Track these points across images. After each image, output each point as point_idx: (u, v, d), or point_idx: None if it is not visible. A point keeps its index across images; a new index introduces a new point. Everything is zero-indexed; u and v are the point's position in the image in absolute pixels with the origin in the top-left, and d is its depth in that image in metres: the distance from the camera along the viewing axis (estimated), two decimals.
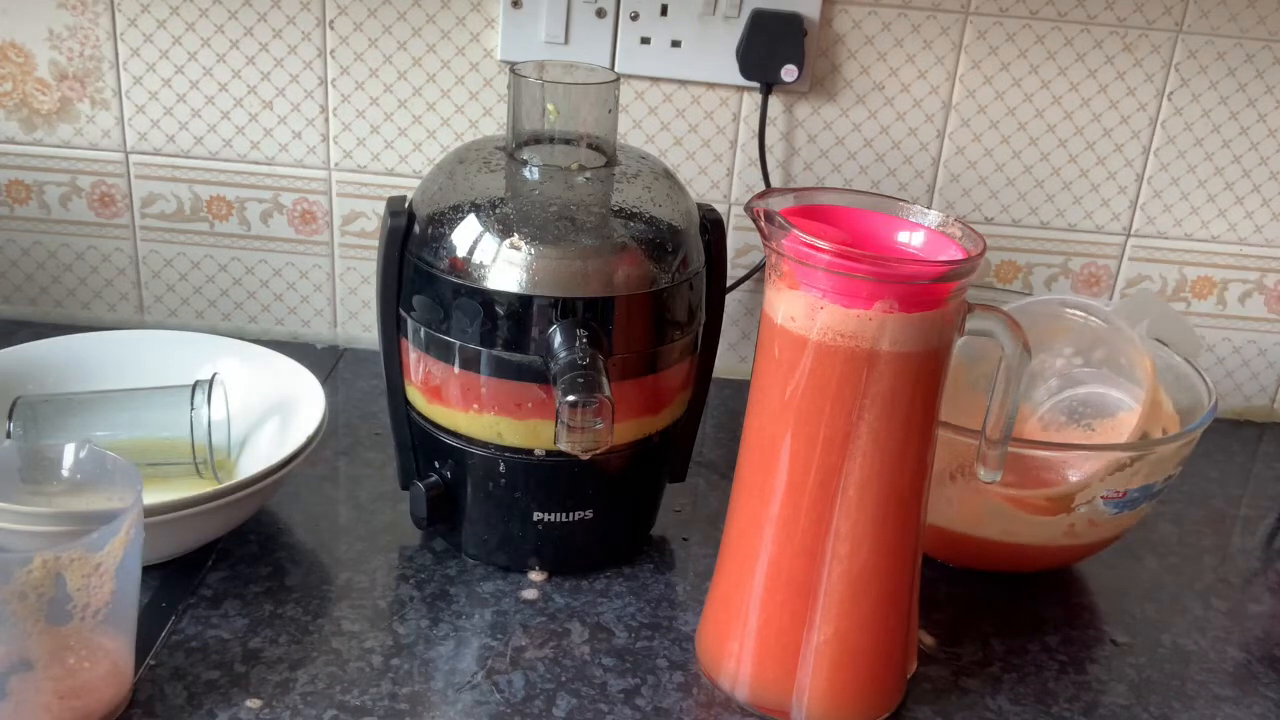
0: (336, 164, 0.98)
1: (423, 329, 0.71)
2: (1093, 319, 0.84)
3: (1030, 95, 0.96)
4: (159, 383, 0.80)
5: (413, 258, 0.71)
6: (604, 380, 0.65)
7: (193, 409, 0.77)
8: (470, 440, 0.72)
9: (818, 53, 0.95)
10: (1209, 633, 0.77)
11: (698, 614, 0.71)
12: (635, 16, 0.92)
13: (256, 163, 0.98)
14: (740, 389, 0.69)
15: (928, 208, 0.64)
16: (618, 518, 0.77)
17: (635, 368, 0.71)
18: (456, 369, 0.71)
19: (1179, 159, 0.99)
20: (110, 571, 0.57)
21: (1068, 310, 0.84)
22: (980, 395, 0.82)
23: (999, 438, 0.64)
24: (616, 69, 0.94)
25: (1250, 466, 1.01)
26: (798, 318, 0.60)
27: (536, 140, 0.73)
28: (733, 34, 0.93)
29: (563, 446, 0.64)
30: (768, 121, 0.96)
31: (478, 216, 0.69)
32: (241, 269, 1.01)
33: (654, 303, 0.70)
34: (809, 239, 0.58)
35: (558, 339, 0.67)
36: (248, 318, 1.03)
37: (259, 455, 0.79)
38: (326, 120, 0.97)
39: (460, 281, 0.69)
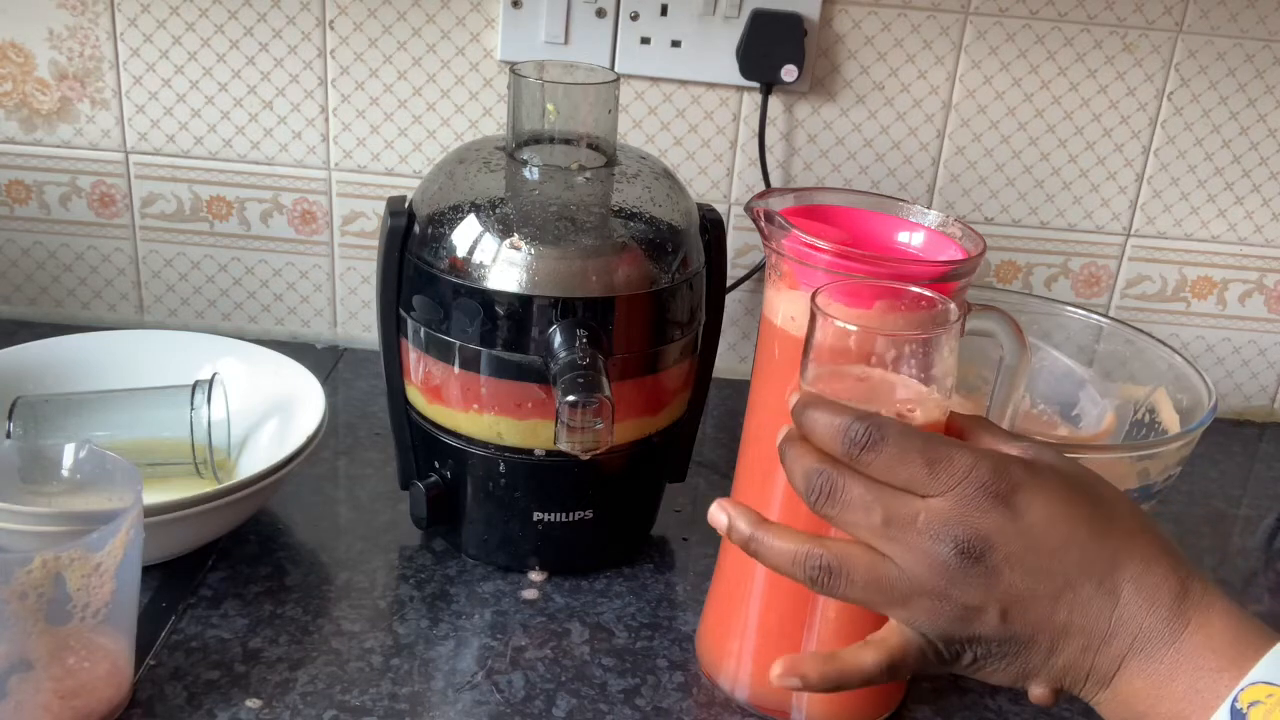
0: (336, 164, 0.98)
1: (423, 329, 0.71)
2: (1093, 317, 0.85)
3: (1030, 95, 0.96)
4: (159, 383, 0.80)
5: (413, 258, 0.71)
6: (604, 380, 0.65)
7: (193, 409, 0.77)
8: (470, 440, 0.72)
9: (818, 53, 0.95)
10: None
11: (698, 614, 0.71)
12: (635, 16, 0.92)
13: (256, 163, 0.98)
14: (740, 389, 0.69)
15: (928, 208, 0.64)
16: (618, 518, 0.77)
17: (635, 368, 0.71)
18: (456, 369, 0.71)
19: (1179, 159, 0.99)
20: (110, 571, 0.57)
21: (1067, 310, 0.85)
22: (979, 396, 0.82)
23: None
24: (616, 69, 0.94)
25: (1250, 466, 1.01)
26: (798, 318, 0.60)
27: (536, 140, 0.73)
28: (733, 34, 0.93)
29: (563, 446, 0.64)
30: (768, 121, 0.96)
31: (478, 216, 0.69)
32: (241, 269, 1.01)
33: (654, 303, 0.70)
34: (809, 239, 0.58)
35: (558, 339, 0.67)
36: (248, 318, 1.03)
37: (259, 455, 0.79)
38: (326, 120, 0.97)
39: (460, 281, 0.69)
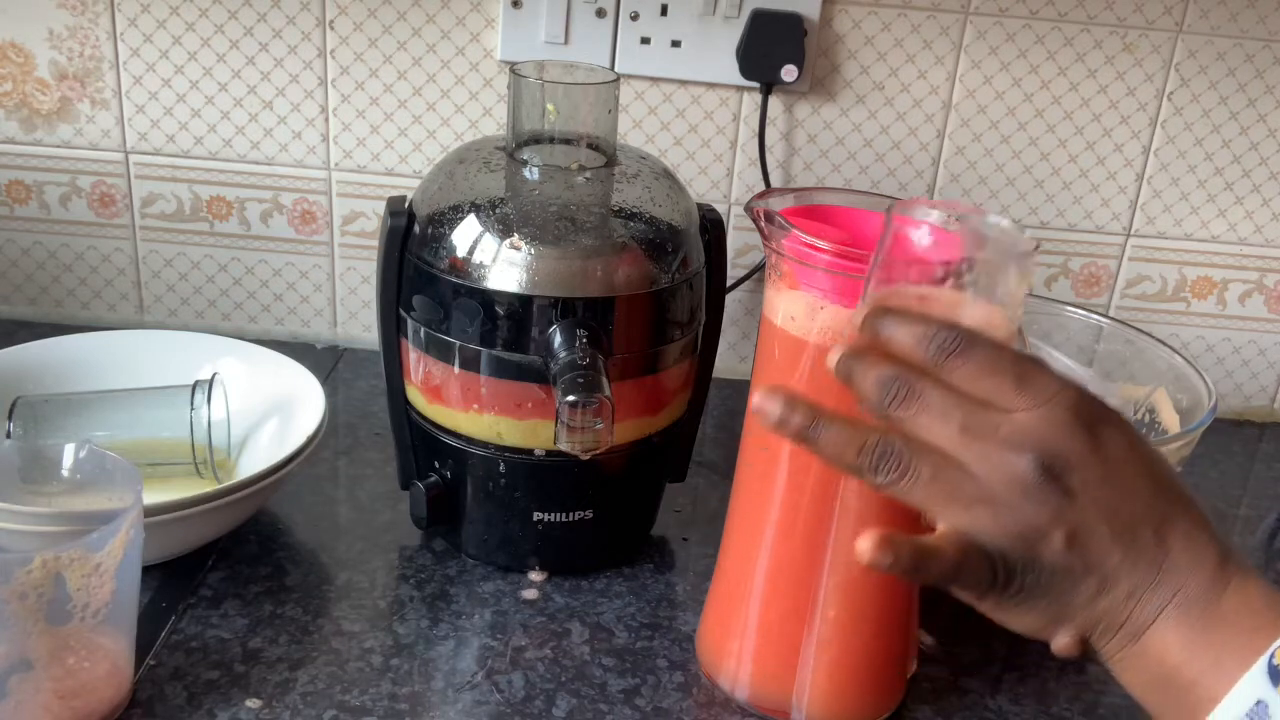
0: (336, 164, 0.98)
1: (423, 329, 0.71)
2: (1093, 317, 0.85)
3: (1030, 95, 0.96)
4: (159, 383, 0.80)
5: (413, 258, 0.71)
6: (604, 380, 0.65)
7: (193, 409, 0.77)
8: (470, 440, 0.72)
9: (818, 53, 0.95)
10: None
11: (698, 614, 0.71)
12: (635, 16, 0.92)
13: (256, 163, 0.98)
14: (740, 389, 0.69)
15: None
16: (618, 518, 0.77)
17: (635, 368, 0.71)
18: (456, 369, 0.71)
19: (1179, 159, 0.99)
20: (110, 571, 0.57)
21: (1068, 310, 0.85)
22: None
23: None
24: (616, 69, 0.94)
25: (1250, 466, 1.01)
26: (798, 318, 0.60)
27: (536, 140, 0.73)
28: (733, 34, 0.93)
29: (563, 446, 0.64)
30: (768, 121, 0.96)
31: (478, 216, 0.69)
32: (241, 269, 1.01)
33: (654, 303, 0.70)
34: (809, 239, 0.58)
35: (558, 339, 0.67)
36: (248, 318, 1.03)
37: (259, 455, 0.79)
38: (326, 120, 0.97)
39: (460, 281, 0.69)
